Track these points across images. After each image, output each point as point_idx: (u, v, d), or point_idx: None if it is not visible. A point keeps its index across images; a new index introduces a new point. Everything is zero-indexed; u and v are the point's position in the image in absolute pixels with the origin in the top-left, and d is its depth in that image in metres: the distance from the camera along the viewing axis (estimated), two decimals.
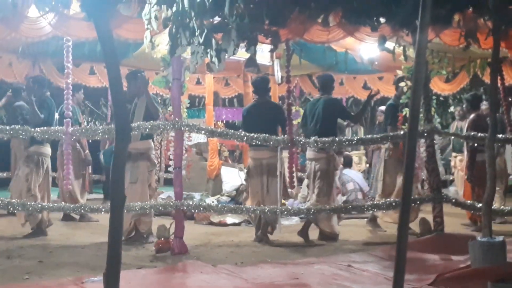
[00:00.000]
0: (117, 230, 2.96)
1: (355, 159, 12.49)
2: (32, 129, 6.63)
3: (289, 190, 7.59)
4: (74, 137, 7.14)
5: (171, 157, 6.61)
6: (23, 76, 9.91)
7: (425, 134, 6.96)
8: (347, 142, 7.36)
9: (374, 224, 7.99)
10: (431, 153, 7.05)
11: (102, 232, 6.98)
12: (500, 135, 7.51)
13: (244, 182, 7.87)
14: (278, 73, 9.68)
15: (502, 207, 7.72)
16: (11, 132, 6.58)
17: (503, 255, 4.54)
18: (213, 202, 8.83)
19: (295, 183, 7.73)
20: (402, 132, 7.11)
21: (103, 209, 6.52)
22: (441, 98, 13.93)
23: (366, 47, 8.47)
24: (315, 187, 7.26)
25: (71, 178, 7.27)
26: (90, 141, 9.28)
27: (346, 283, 5.00)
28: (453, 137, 9.44)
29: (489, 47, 6.20)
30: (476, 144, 7.83)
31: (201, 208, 6.96)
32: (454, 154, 9.76)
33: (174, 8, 4.44)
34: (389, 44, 6.61)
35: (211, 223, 8.49)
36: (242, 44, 4.65)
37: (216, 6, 4.26)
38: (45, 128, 6.78)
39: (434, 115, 7.36)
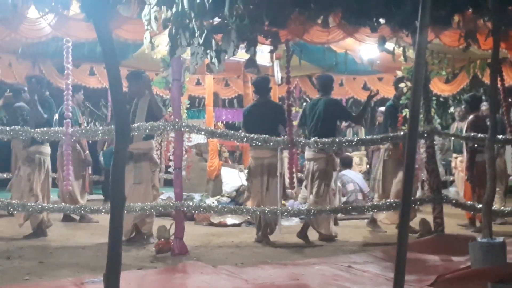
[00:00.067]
0: (117, 230, 2.96)
1: (356, 160, 12.50)
2: (32, 130, 6.64)
3: (289, 191, 7.59)
4: (74, 138, 7.14)
5: (171, 157, 6.61)
6: (23, 77, 9.91)
7: (425, 135, 6.96)
8: (347, 143, 7.37)
9: (374, 225, 7.99)
10: (431, 153, 7.05)
11: (102, 233, 6.98)
12: (500, 136, 7.51)
13: (244, 183, 7.87)
14: (278, 74, 9.68)
15: (502, 208, 7.72)
16: (11, 133, 6.58)
17: (503, 256, 4.54)
18: (213, 203, 8.83)
19: (295, 184, 7.73)
20: (402, 133, 7.11)
21: (103, 210, 6.52)
22: (441, 99, 13.93)
23: (366, 48, 8.47)
24: (313, 188, 7.26)
25: (71, 179, 7.28)
26: (90, 141, 9.29)
27: (347, 284, 5.00)
28: (453, 138, 9.43)
29: (488, 47, 6.20)
30: (476, 145, 7.84)
31: (201, 209, 6.96)
32: (454, 155, 9.76)
33: (174, 9, 4.44)
34: (389, 45, 6.62)
35: (211, 224, 8.49)
36: (242, 45, 4.66)
37: (216, 7, 4.27)
38: (45, 129, 6.79)
39: (434, 116, 7.36)
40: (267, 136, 6.80)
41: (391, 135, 7.31)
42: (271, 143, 6.86)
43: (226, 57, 4.61)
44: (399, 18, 4.76)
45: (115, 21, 6.14)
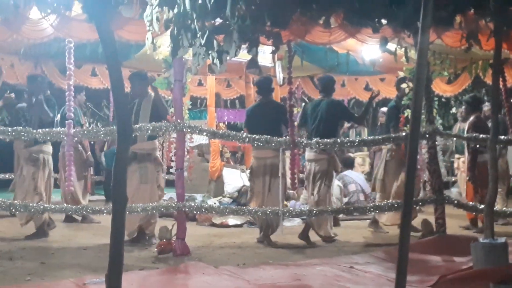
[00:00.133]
0: (119, 231, 2.96)
1: (358, 160, 12.49)
2: (34, 131, 6.65)
3: (291, 191, 7.59)
4: (76, 139, 7.15)
5: (173, 158, 6.62)
6: (25, 77, 9.92)
7: (427, 136, 6.96)
8: (348, 144, 7.37)
9: (376, 226, 7.99)
10: (433, 154, 7.04)
11: (104, 234, 6.97)
12: (502, 137, 7.50)
13: (246, 184, 7.86)
14: (279, 75, 9.69)
15: (504, 208, 7.71)
16: (13, 133, 6.59)
17: (505, 257, 4.53)
18: (215, 203, 8.83)
19: (297, 185, 7.73)
20: (403, 134, 7.10)
21: (105, 211, 6.54)
22: (443, 100, 13.92)
23: (367, 49, 8.46)
24: (314, 189, 7.26)
25: (73, 179, 7.28)
26: (92, 142, 9.29)
27: (348, 285, 5.00)
28: (455, 139, 9.42)
29: (491, 48, 6.19)
30: (477, 146, 7.83)
31: (203, 210, 6.96)
32: (457, 155, 9.74)
33: (175, 10, 4.43)
34: (391, 46, 6.61)
35: (213, 225, 8.49)
36: (243, 46, 4.65)
37: (217, 7, 4.26)
38: (47, 129, 6.81)
39: (436, 117, 7.35)
40: (268, 136, 6.81)
41: (393, 135, 7.31)
42: (273, 144, 6.87)
43: (228, 58, 4.60)
44: (401, 18, 4.75)
45: (117, 22, 6.14)
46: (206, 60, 4.76)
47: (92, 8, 3.13)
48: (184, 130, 6.51)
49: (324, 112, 7.35)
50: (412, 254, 4.52)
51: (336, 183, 8.74)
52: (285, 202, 8.13)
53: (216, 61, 4.56)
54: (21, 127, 6.66)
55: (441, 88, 11.18)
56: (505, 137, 7.79)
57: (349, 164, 10.26)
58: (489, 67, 8.91)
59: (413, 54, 7.05)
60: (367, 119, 8.01)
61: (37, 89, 7.41)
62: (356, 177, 10.18)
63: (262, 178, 7.20)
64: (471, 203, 7.50)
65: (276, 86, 8.99)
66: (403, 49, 7.06)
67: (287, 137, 7.03)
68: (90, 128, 10.44)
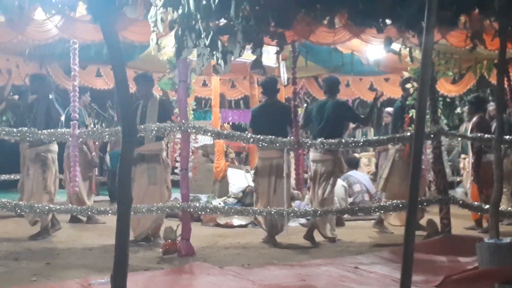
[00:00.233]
0: (124, 232, 2.97)
1: (364, 160, 12.49)
2: (39, 131, 6.67)
3: (296, 191, 7.58)
4: (80, 139, 7.17)
5: (178, 159, 6.63)
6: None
7: (432, 136, 6.95)
8: (353, 144, 7.36)
9: (380, 226, 7.98)
10: (438, 154, 7.03)
11: (109, 234, 6.98)
12: (507, 136, 7.48)
13: (250, 184, 7.86)
14: (284, 75, 9.68)
15: (509, 208, 7.68)
16: (19, 134, 6.61)
17: (510, 257, 4.53)
18: (219, 204, 8.83)
19: (302, 185, 7.73)
20: (408, 134, 7.09)
21: (110, 211, 6.55)
22: (448, 100, 13.89)
23: (372, 49, 8.45)
24: (319, 189, 7.25)
25: (78, 180, 7.30)
26: (96, 143, 9.31)
27: (353, 285, 5.00)
28: (461, 139, 9.40)
29: (495, 48, 6.17)
30: (482, 146, 7.82)
31: (208, 210, 6.96)
32: (463, 155, 9.71)
33: (180, 11, 4.44)
34: (395, 46, 6.60)
35: (218, 225, 8.50)
36: (248, 46, 4.65)
37: (222, 8, 4.26)
38: (52, 130, 6.84)
39: (440, 117, 7.34)
40: (273, 137, 6.81)
41: (398, 135, 7.30)
42: (278, 144, 6.87)
43: (232, 58, 4.61)
44: (405, 18, 4.74)
45: (122, 23, 6.15)
46: (211, 61, 4.77)
47: (96, 9, 3.13)
48: (189, 130, 6.52)
49: (330, 113, 7.35)
50: (417, 254, 4.51)
51: (341, 183, 8.74)
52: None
53: (221, 61, 4.56)
54: (26, 128, 6.67)
55: (445, 88, 11.15)
56: (510, 137, 7.77)
57: (353, 164, 10.25)
58: (494, 67, 8.88)
59: (417, 54, 7.04)
60: (372, 120, 7.98)
61: (40, 89, 7.44)
62: (361, 177, 10.17)
63: (268, 179, 7.20)
64: (476, 203, 7.48)
65: (280, 87, 8.99)
66: (407, 49, 7.06)
67: (292, 137, 7.04)
68: (95, 129, 10.47)
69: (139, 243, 6.90)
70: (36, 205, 6.57)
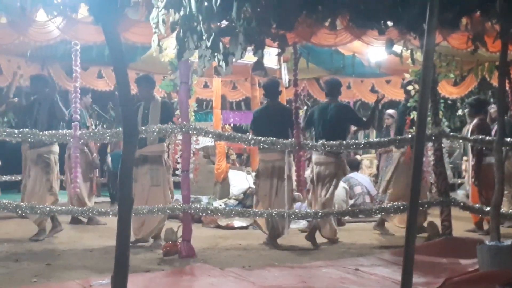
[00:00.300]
0: (125, 233, 2.97)
1: (366, 162, 12.50)
2: (41, 133, 6.68)
3: (297, 193, 7.57)
4: (82, 141, 7.17)
5: (179, 160, 6.63)
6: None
7: (433, 138, 6.95)
8: (354, 146, 7.36)
9: (382, 228, 7.98)
10: (439, 156, 7.03)
11: (110, 235, 6.99)
12: (508, 139, 7.47)
13: (251, 186, 7.85)
14: (285, 77, 9.69)
15: (510, 211, 7.67)
16: (20, 135, 6.62)
17: (511, 259, 4.53)
18: (220, 205, 8.83)
19: (303, 187, 7.72)
20: (410, 136, 7.10)
21: (111, 212, 6.55)
22: (449, 102, 13.90)
23: (373, 51, 8.46)
24: (322, 191, 7.25)
25: (79, 181, 7.31)
26: (98, 144, 9.32)
27: (354, 287, 5.00)
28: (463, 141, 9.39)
29: (497, 50, 6.18)
30: (483, 148, 7.81)
31: (209, 211, 6.96)
32: (465, 158, 9.72)
33: (181, 12, 4.44)
34: (397, 48, 6.60)
35: (219, 226, 8.50)
36: (249, 48, 4.66)
37: (223, 10, 4.27)
38: (53, 131, 6.85)
39: (442, 119, 7.34)
40: (274, 138, 6.81)
41: (399, 137, 7.31)
42: (279, 146, 6.87)
43: (233, 60, 4.61)
44: (406, 20, 4.74)
45: (123, 24, 6.16)
46: (212, 62, 4.77)
47: (98, 11, 3.14)
48: (190, 132, 6.52)
49: (333, 115, 7.35)
50: (418, 256, 4.52)
51: (342, 185, 8.73)
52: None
53: (222, 63, 4.56)
54: (27, 129, 6.68)
55: (447, 90, 11.16)
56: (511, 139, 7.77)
57: (354, 166, 10.25)
58: (495, 69, 8.89)
59: (419, 56, 7.04)
60: (373, 122, 8.00)
61: (41, 90, 7.47)
62: (361, 179, 10.18)
63: (269, 181, 7.20)
64: (477, 205, 7.47)
65: (282, 88, 9.00)
66: (409, 51, 7.06)
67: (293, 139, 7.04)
68: (96, 130, 10.47)
69: (137, 244, 6.89)
70: (37, 206, 6.58)
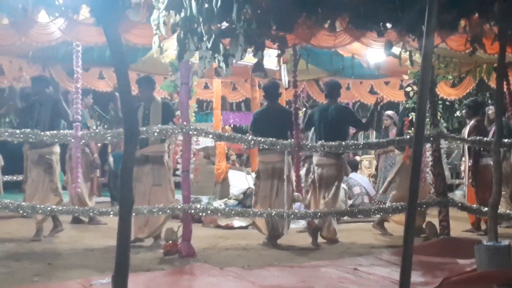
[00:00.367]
0: (126, 233, 2.99)
1: (365, 163, 12.52)
2: (43, 133, 6.71)
3: (296, 193, 7.60)
4: (83, 141, 7.20)
5: (179, 160, 6.66)
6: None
7: (431, 139, 6.98)
8: (354, 146, 7.39)
9: (381, 227, 7.99)
10: (437, 157, 7.06)
11: (111, 235, 7.01)
12: (506, 140, 7.51)
13: (251, 185, 7.87)
14: (285, 78, 9.71)
15: (508, 211, 7.71)
16: (21, 135, 6.65)
17: (509, 259, 4.56)
18: (220, 205, 8.86)
19: (301, 187, 7.75)
20: (408, 137, 7.13)
21: (111, 212, 6.58)
22: (447, 103, 13.92)
23: (372, 52, 8.48)
24: (326, 193, 7.27)
25: (80, 181, 7.34)
26: (99, 144, 9.34)
27: (353, 287, 5.02)
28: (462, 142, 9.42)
29: (495, 52, 6.21)
30: (481, 149, 7.85)
31: (209, 211, 6.97)
32: (464, 158, 9.75)
33: (182, 14, 4.47)
34: (396, 49, 6.64)
35: (219, 226, 8.52)
36: (249, 49, 4.69)
37: (224, 11, 4.30)
38: (55, 132, 6.88)
39: (440, 120, 7.37)
40: (274, 139, 6.85)
41: (398, 138, 7.34)
42: (278, 147, 6.90)
43: (233, 61, 4.64)
44: (405, 22, 4.78)
45: (124, 26, 6.19)
46: (212, 64, 4.80)
47: (99, 12, 3.16)
48: (190, 132, 6.55)
49: (334, 117, 7.38)
50: (416, 256, 4.55)
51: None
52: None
53: (222, 64, 4.60)
54: (29, 129, 6.71)
55: (445, 91, 11.18)
56: (509, 140, 7.80)
57: (353, 166, 10.27)
58: (494, 71, 8.93)
59: (417, 57, 7.07)
60: (372, 123, 8.02)
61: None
62: (360, 179, 10.20)
63: (270, 183, 7.23)
64: (474, 205, 7.49)
65: (281, 90, 9.04)
66: (407, 52, 7.10)
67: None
68: (97, 130, 10.49)
69: (135, 243, 6.92)
70: (38, 206, 6.61)
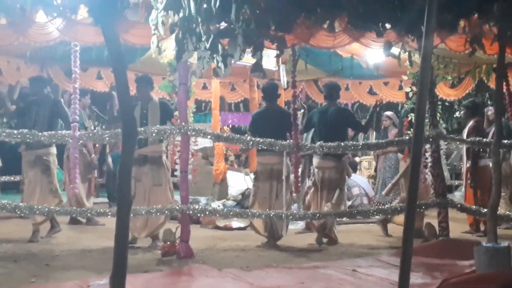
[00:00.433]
0: (123, 233, 2.98)
1: (365, 164, 12.52)
2: (40, 133, 6.69)
3: (295, 194, 7.60)
4: (81, 142, 7.18)
5: (177, 161, 6.64)
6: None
7: (431, 139, 6.97)
8: (352, 147, 7.37)
9: (383, 226, 7.95)
10: (437, 158, 7.05)
11: (108, 236, 7.00)
12: (505, 141, 7.49)
13: (250, 186, 7.85)
14: (284, 78, 9.71)
15: (507, 212, 7.70)
16: (19, 136, 6.63)
17: (508, 261, 4.55)
18: (219, 206, 8.85)
19: (301, 188, 7.74)
20: (407, 138, 7.12)
21: (109, 213, 6.56)
22: (447, 104, 13.92)
23: (371, 53, 8.48)
24: (329, 195, 7.24)
25: (77, 182, 7.32)
26: (97, 145, 9.33)
27: None
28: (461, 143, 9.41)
29: (494, 52, 6.21)
30: (480, 150, 7.84)
31: (207, 212, 6.96)
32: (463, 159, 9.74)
33: (181, 14, 4.46)
34: (395, 50, 6.63)
35: (217, 227, 8.51)
36: (248, 50, 4.68)
37: (222, 11, 4.29)
38: (52, 132, 6.86)
39: (439, 120, 7.37)
40: (272, 139, 6.83)
41: (397, 139, 7.33)
42: (277, 147, 6.88)
43: (232, 62, 4.63)
44: (405, 23, 4.77)
45: (123, 26, 6.18)
46: (211, 64, 4.79)
47: (98, 12, 3.15)
48: (189, 133, 6.54)
49: (333, 119, 7.37)
50: (416, 257, 4.55)
51: None
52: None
53: (221, 64, 4.59)
54: (26, 130, 6.69)
55: (444, 92, 11.18)
56: (509, 141, 7.78)
57: (352, 167, 10.26)
58: (493, 71, 8.93)
59: (417, 58, 7.07)
60: (372, 124, 8.01)
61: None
62: (359, 180, 10.20)
63: (268, 184, 7.21)
64: (474, 207, 7.48)
65: (280, 90, 9.03)
66: (407, 53, 7.09)
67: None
68: (95, 130, 10.48)
69: (131, 244, 6.90)
70: (36, 207, 6.59)
